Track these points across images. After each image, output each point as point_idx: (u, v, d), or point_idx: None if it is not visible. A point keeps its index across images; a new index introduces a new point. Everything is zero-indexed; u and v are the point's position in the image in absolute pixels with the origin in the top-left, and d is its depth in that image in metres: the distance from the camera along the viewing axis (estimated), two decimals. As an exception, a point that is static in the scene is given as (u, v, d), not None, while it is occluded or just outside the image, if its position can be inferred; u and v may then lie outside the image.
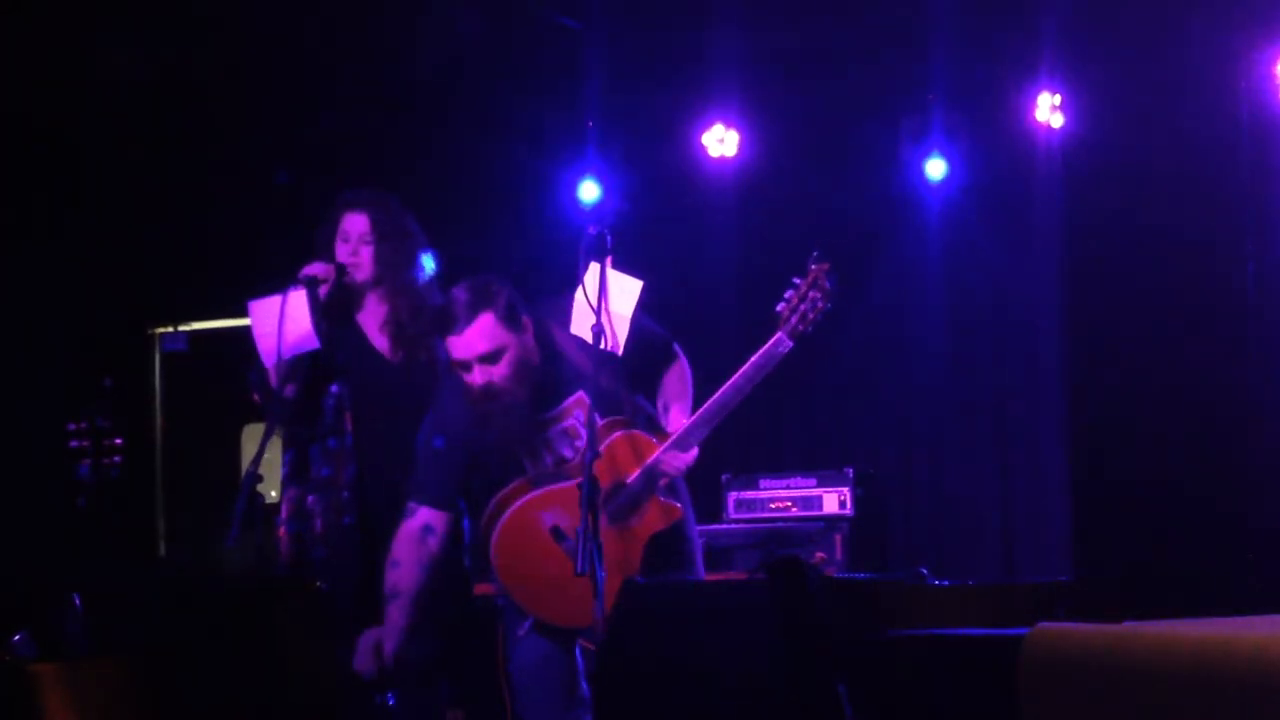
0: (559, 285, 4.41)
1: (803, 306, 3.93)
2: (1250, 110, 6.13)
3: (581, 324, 4.09)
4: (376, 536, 4.28)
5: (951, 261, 6.75)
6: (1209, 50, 6.13)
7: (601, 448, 3.89)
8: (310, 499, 4.32)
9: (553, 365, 4.05)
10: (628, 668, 3.34)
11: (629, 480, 4.00)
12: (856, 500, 6.21)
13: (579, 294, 4.05)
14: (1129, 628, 2.03)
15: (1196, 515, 6.06)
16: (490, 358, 3.93)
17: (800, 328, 3.92)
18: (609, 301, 4.00)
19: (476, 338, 3.92)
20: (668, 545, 4.08)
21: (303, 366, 4.29)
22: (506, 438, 4.03)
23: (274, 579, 4.26)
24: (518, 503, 4.08)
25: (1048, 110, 6.45)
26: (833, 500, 6.19)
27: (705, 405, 3.95)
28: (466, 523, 4.44)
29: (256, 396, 4.45)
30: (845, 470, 6.24)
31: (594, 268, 4.04)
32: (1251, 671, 1.79)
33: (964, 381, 6.84)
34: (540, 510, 4.06)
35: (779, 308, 3.93)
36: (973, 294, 6.80)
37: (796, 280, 3.93)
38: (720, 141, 6.94)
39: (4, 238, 7.08)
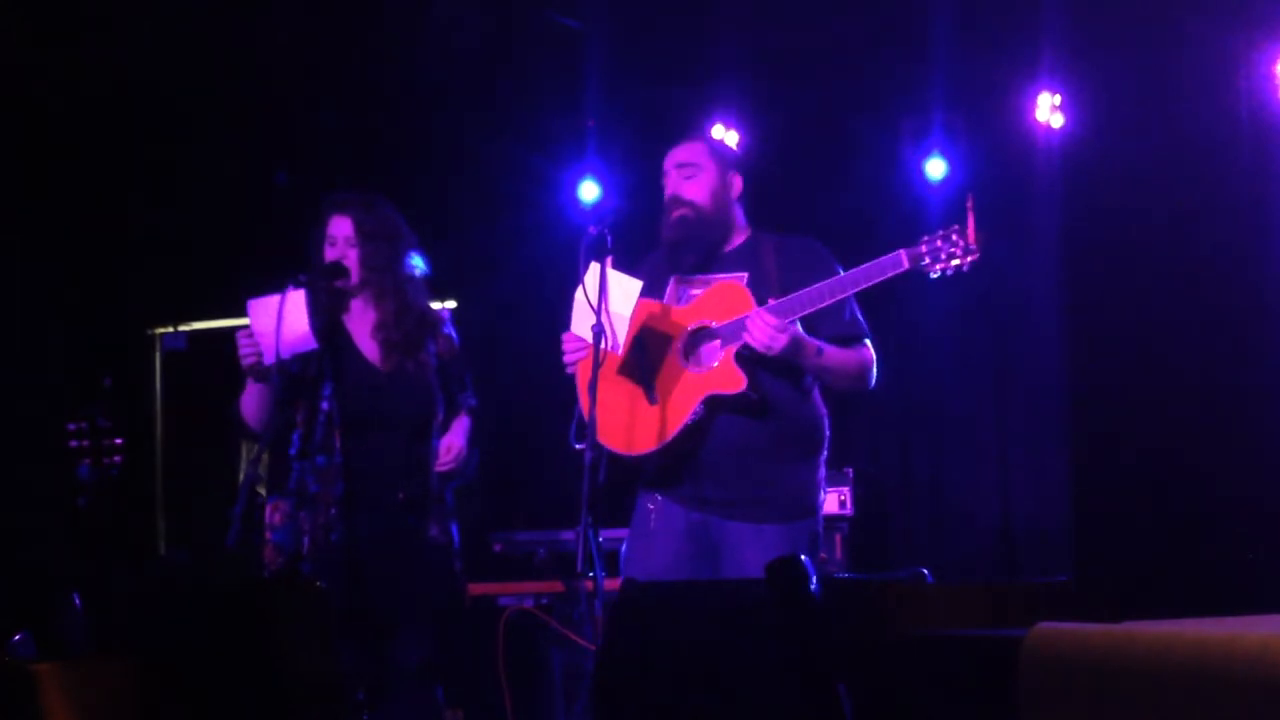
0: (559, 285, 4.41)
1: (941, 244, 3.92)
2: (1250, 110, 6.12)
3: (581, 324, 4.09)
4: (363, 552, 4.27)
5: (951, 261, 6.74)
6: (1209, 50, 6.13)
7: (706, 289, 4.13)
8: (301, 515, 4.31)
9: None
10: (628, 668, 3.34)
11: (717, 325, 4.08)
12: (856, 500, 6.20)
13: (579, 293, 4.06)
14: (1129, 628, 2.02)
15: (1197, 515, 6.06)
16: (687, 168, 4.25)
17: (925, 260, 3.93)
18: (609, 301, 4.00)
19: (684, 149, 4.28)
20: (729, 437, 4.06)
21: (288, 386, 4.29)
22: (684, 238, 4.21)
23: (274, 579, 4.25)
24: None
25: (1048, 110, 6.45)
26: (833, 500, 6.18)
27: (806, 289, 3.99)
28: (456, 527, 4.44)
29: (241, 440, 4.47)
30: (845, 470, 6.23)
31: (594, 267, 4.05)
32: (1251, 671, 1.79)
33: (964, 381, 6.84)
34: (648, 313, 4.16)
35: (922, 236, 3.95)
36: (973, 294, 6.79)
37: (956, 225, 3.93)
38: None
39: (3, 237, 7.08)
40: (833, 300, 3.98)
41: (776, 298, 4.03)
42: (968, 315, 6.81)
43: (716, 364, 4.05)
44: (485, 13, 6.42)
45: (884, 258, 3.94)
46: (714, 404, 4.05)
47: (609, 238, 4.06)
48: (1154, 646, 1.94)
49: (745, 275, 4.17)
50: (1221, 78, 6.15)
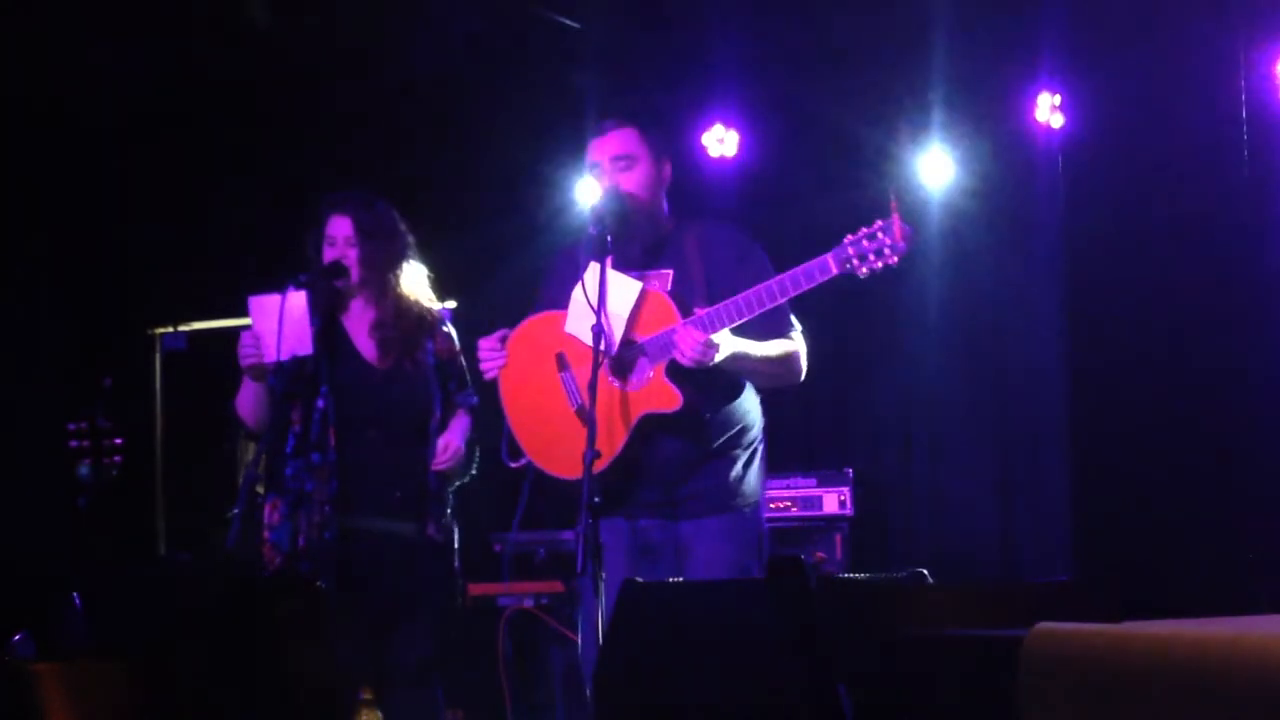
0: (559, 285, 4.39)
1: (866, 243, 3.85)
2: (1250, 110, 6.12)
3: (579, 324, 4.09)
4: (359, 551, 4.27)
5: (951, 261, 6.75)
6: (1209, 50, 6.13)
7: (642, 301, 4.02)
8: (298, 514, 4.31)
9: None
10: (628, 668, 3.34)
11: (643, 339, 4.01)
12: (856, 500, 6.20)
13: (578, 293, 4.05)
14: (1129, 628, 2.02)
15: (1197, 515, 6.05)
16: (622, 160, 4.13)
17: (854, 263, 3.85)
18: (608, 302, 3.99)
19: (616, 138, 4.16)
20: (663, 444, 4.03)
21: (283, 385, 4.30)
22: (624, 228, 4.08)
23: (274, 579, 4.26)
24: (557, 310, 4.11)
25: (1048, 110, 6.44)
26: (833, 500, 6.19)
27: (733, 298, 3.92)
28: (456, 527, 4.44)
29: (240, 439, 4.48)
30: (845, 470, 6.23)
31: (594, 267, 4.04)
32: (1251, 671, 1.79)
33: (964, 381, 6.83)
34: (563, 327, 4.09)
35: (846, 237, 3.88)
36: (972, 294, 6.79)
37: (880, 221, 3.86)
38: (720, 141, 6.94)
39: (4, 237, 7.08)
40: (759, 311, 3.92)
41: (702, 299, 4.00)
42: (967, 314, 6.80)
43: (649, 382, 4.01)
44: (484, 12, 6.42)
45: (810, 263, 3.88)
46: (652, 422, 4.02)
47: (609, 238, 4.05)
48: (1154, 646, 1.93)
49: (670, 273, 4.12)
50: (1221, 78, 6.15)
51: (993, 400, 6.81)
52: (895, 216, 3.84)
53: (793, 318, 4.18)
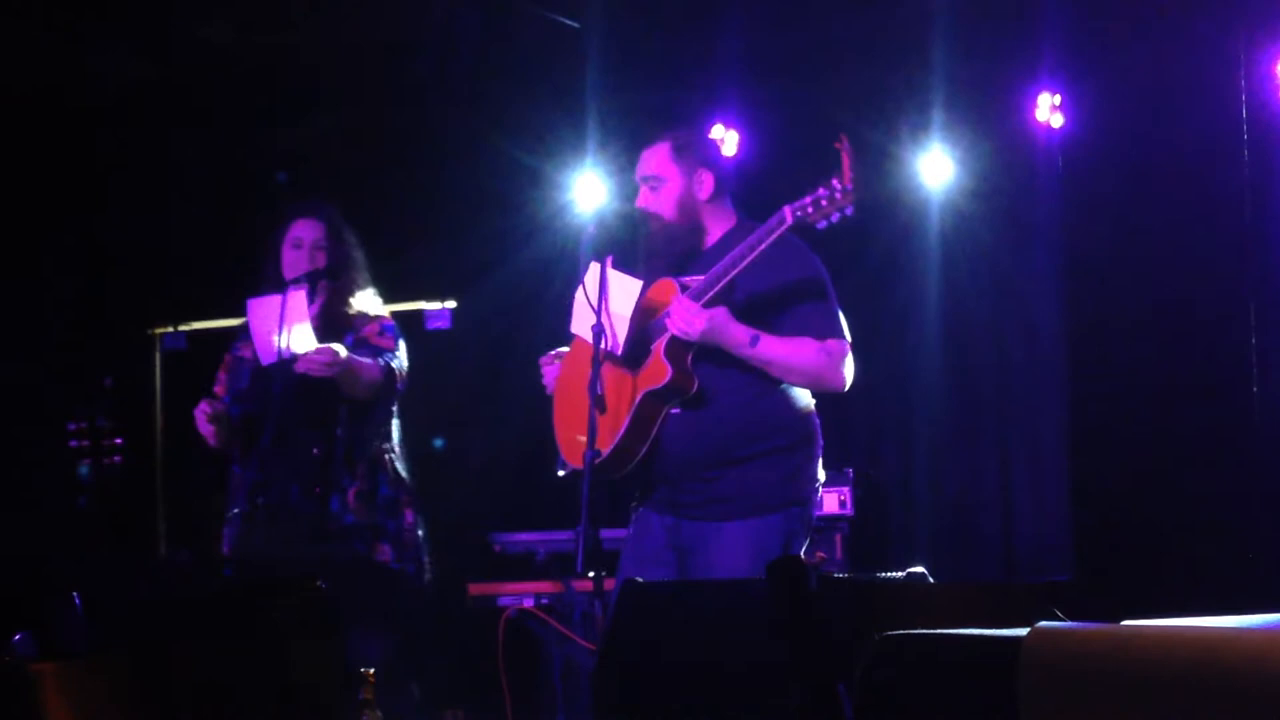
0: (559, 285, 4.41)
1: (823, 191, 3.85)
2: (1250, 110, 6.12)
3: (581, 324, 4.10)
4: (278, 555, 4.31)
5: (951, 261, 6.75)
6: (1209, 50, 6.13)
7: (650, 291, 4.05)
8: (251, 525, 4.37)
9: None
10: (628, 668, 3.34)
11: (651, 323, 4.03)
12: (856, 500, 6.19)
13: (579, 293, 4.06)
14: (1129, 628, 2.02)
15: (1197, 515, 6.05)
16: (651, 180, 4.15)
17: (809, 211, 3.85)
18: (609, 301, 4.00)
19: (647, 158, 4.18)
20: (684, 440, 4.03)
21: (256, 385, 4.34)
22: (654, 255, 4.12)
23: (274, 579, 4.27)
24: None
25: (1048, 110, 6.44)
26: (833, 500, 6.18)
27: (715, 265, 3.95)
28: (408, 515, 4.46)
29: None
30: (845, 470, 6.22)
31: (594, 267, 4.05)
32: (1251, 671, 1.79)
33: (964, 381, 6.84)
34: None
35: (807, 191, 3.88)
36: (972, 294, 6.79)
37: (836, 173, 3.86)
38: (720, 141, 6.94)
39: (4, 237, 7.09)
40: (738, 270, 3.91)
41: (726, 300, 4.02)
42: (967, 314, 6.81)
43: (649, 362, 4.02)
44: (483, 11, 6.42)
45: (770, 218, 3.91)
46: (653, 402, 4.00)
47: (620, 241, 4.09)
48: (1154, 646, 1.94)
49: (702, 279, 4.13)
50: (1221, 78, 6.15)
51: (993, 400, 6.81)
52: (845, 161, 3.85)
53: (843, 325, 4.12)
